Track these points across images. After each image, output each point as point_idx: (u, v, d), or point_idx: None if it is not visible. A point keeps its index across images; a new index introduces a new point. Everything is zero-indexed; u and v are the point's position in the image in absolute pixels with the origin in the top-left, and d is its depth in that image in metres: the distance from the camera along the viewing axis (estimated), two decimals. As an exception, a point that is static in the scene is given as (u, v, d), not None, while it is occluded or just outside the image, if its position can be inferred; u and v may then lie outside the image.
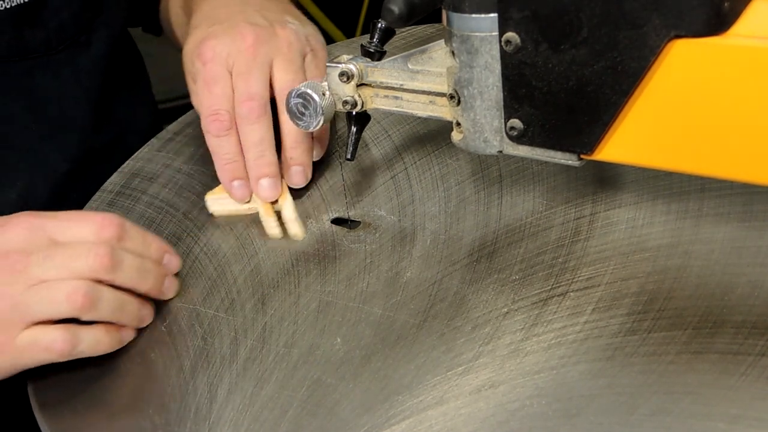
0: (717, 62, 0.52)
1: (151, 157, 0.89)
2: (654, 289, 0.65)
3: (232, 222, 0.79)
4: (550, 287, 0.67)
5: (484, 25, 0.58)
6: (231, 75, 0.80)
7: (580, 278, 0.68)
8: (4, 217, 0.68)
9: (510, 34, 0.57)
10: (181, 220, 0.80)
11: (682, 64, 0.53)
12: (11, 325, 0.64)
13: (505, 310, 0.66)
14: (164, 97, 1.12)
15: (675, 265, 0.67)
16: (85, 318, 0.65)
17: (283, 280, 0.72)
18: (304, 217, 0.78)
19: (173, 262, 0.72)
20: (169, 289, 0.71)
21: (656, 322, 0.62)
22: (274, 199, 0.79)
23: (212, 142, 0.79)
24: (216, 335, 0.67)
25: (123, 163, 0.89)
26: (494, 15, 0.57)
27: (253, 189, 0.79)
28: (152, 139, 0.92)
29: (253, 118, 0.78)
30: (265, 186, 0.78)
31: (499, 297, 0.67)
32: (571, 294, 0.66)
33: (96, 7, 0.96)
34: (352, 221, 0.78)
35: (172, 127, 0.94)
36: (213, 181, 0.84)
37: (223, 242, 0.77)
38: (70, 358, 0.65)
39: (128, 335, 0.68)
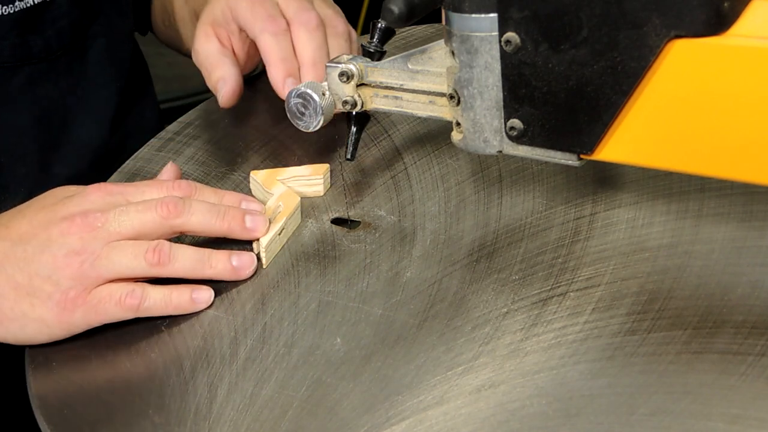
0: (717, 62, 0.52)
1: (151, 157, 0.90)
2: (654, 289, 0.65)
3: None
4: (550, 287, 0.67)
5: (484, 25, 0.58)
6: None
7: (580, 278, 0.67)
8: (86, 186, 0.73)
9: (510, 34, 0.57)
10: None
11: (682, 65, 0.53)
12: (87, 280, 0.67)
13: (505, 310, 0.66)
14: (164, 97, 1.12)
15: (675, 265, 0.67)
16: (161, 274, 0.68)
17: (283, 280, 0.72)
18: (303, 216, 0.78)
19: (252, 205, 0.75)
20: (254, 225, 0.72)
21: (656, 322, 0.62)
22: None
23: (268, 40, 0.81)
24: (216, 335, 0.67)
25: (127, 165, 0.89)
26: (494, 15, 0.57)
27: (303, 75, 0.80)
28: (152, 139, 0.92)
29: (312, 26, 0.81)
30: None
31: (499, 297, 0.67)
32: (571, 294, 0.66)
33: (93, 14, 0.97)
34: (352, 221, 0.78)
35: (172, 127, 0.94)
36: (213, 182, 0.84)
37: (223, 242, 0.77)
38: (140, 315, 0.68)
39: (203, 296, 0.69)
